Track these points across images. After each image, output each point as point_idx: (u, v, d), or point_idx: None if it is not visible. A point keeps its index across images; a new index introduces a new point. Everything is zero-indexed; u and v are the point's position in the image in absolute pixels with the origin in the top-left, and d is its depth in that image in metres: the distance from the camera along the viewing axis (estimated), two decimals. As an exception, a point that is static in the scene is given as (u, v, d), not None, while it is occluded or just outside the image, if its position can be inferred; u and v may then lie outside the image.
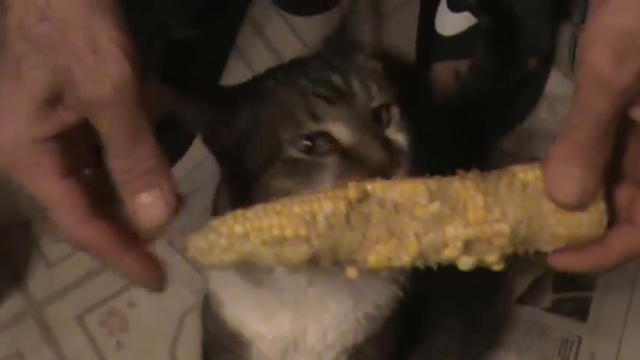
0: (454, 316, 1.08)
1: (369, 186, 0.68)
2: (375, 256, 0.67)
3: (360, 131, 0.76)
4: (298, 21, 1.50)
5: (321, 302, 0.87)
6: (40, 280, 1.33)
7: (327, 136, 0.76)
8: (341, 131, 0.76)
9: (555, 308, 1.24)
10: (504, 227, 0.66)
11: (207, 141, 0.85)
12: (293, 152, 0.76)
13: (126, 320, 1.29)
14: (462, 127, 1.28)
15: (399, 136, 0.80)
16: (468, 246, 0.67)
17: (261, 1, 1.50)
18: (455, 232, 0.66)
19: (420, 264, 0.67)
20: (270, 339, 0.90)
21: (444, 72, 1.34)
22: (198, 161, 1.33)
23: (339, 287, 0.86)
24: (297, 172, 0.77)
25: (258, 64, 1.46)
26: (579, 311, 1.23)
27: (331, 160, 0.76)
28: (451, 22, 1.34)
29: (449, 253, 0.67)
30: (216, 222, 0.67)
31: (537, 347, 1.21)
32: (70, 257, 1.34)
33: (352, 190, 0.67)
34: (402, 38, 1.41)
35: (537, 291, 1.25)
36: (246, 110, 0.81)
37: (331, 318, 0.88)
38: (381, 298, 0.89)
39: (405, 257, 0.67)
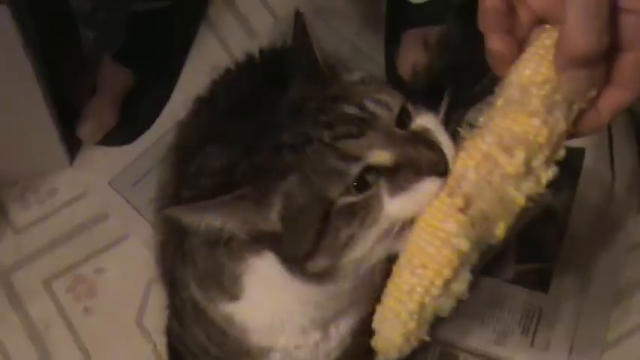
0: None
1: (451, 182, 0.69)
2: (500, 230, 0.69)
3: (397, 146, 0.74)
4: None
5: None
6: (7, 246, 1.33)
7: (370, 167, 0.74)
8: (381, 155, 0.74)
9: (517, 279, 1.25)
10: (563, 125, 0.68)
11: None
12: (349, 199, 0.74)
13: (93, 286, 1.29)
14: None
15: (426, 121, 0.78)
16: (547, 162, 0.69)
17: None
18: (539, 161, 0.68)
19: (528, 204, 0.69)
20: (304, 347, 0.93)
21: (413, 41, 1.35)
22: (169, 129, 1.33)
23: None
24: (357, 214, 0.74)
25: (228, 36, 1.47)
26: (540, 282, 1.24)
27: (383, 187, 0.74)
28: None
29: (544, 180, 0.69)
30: (384, 314, 0.68)
31: (499, 317, 1.22)
32: (37, 223, 1.34)
33: (455, 200, 0.67)
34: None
35: (500, 262, 1.26)
36: (274, 195, 0.77)
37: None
38: None
39: (517, 210, 0.68)
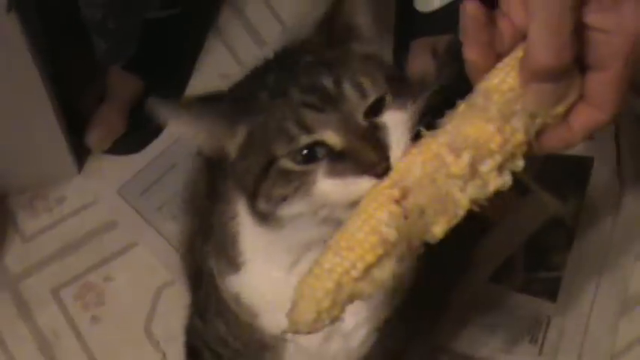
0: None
1: (394, 176, 0.69)
2: (439, 228, 0.69)
3: (350, 135, 0.75)
4: (278, 2, 1.50)
5: None
6: (15, 254, 1.33)
7: (321, 143, 0.76)
8: (332, 137, 0.76)
9: (526, 288, 1.25)
10: (520, 136, 0.69)
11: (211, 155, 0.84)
12: (289, 165, 0.77)
13: (101, 295, 1.30)
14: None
15: (390, 117, 0.78)
16: (500, 170, 0.69)
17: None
18: (488, 167, 0.68)
19: (474, 208, 0.70)
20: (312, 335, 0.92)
21: (422, 49, 1.35)
22: (177, 137, 1.34)
23: None
24: (293, 179, 0.77)
25: (237, 45, 1.47)
26: (549, 291, 1.24)
27: (323, 164, 0.76)
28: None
29: (492, 186, 0.69)
30: (302, 289, 0.68)
31: (507, 326, 1.22)
32: (45, 231, 1.35)
33: (393, 191, 0.68)
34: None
35: (508, 270, 1.26)
36: (241, 124, 0.81)
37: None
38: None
39: (460, 212, 0.69)
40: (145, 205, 1.35)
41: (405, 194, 0.68)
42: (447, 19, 1.34)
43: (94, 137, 1.37)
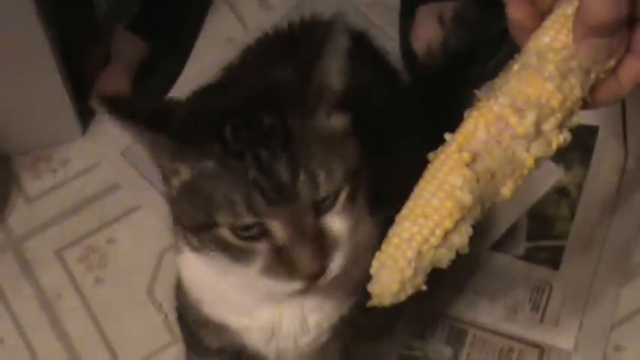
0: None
1: (459, 138, 0.68)
2: (508, 189, 0.68)
3: (295, 233, 0.74)
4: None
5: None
6: (19, 216, 1.34)
7: (265, 228, 0.75)
8: (278, 230, 0.74)
9: (528, 256, 1.25)
10: (578, 92, 0.68)
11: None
12: (227, 235, 0.75)
13: (105, 256, 1.30)
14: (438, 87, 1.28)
15: (338, 223, 0.77)
16: (560, 128, 0.68)
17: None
18: (551, 125, 0.68)
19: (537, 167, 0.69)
20: (253, 330, 0.91)
21: (428, 15, 1.35)
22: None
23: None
24: (230, 250, 0.76)
25: (243, 9, 1.46)
26: (552, 259, 1.24)
27: (263, 249, 0.76)
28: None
29: (555, 144, 0.69)
30: (383, 260, 0.68)
31: (509, 293, 1.23)
32: (49, 193, 1.35)
33: (463, 155, 0.67)
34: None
35: (511, 239, 1.26)
36: (185, 164, 0.76)
37: (311, 302, 0.89)
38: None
39: (526, 172, 0.68)
40: (148, 168, 1.34)
41: (475, 159, 0.67)
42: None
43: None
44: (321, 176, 0.75)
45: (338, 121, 0.79)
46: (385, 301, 0.69)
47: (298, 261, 0.75)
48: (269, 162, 0.74)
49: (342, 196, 0.77)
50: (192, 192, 0.77)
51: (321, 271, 0.76)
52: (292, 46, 0.90)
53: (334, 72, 0.77)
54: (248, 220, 0.74)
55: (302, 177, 0.74)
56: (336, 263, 0.77)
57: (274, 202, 0.74)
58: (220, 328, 0.93)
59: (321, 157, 0.75)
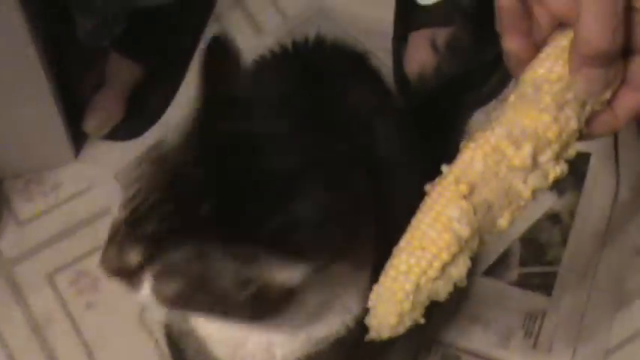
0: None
1: (456, 171, 0.69)
2: (505, 221, 0.69)
3: None
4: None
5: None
6: (10, 239, 1.33)
7: None
8: None
9: (521, 282, 1.25)
10: (574, 124, 0.69)
11: None
12: None
13: (96, 280, 1.29)
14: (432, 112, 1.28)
15: None
16: (556, 159, 0.69)
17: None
18: (547, 157, 0.68)
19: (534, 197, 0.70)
20: (219, 341, 0.90)
21: (421, 41, 1.35)
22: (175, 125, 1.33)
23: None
24: None
25: (236, 33, 1.46)
26: (544, 285, 1.24)
27: None
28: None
29: (552, 176, 0.69)
30: (381, 293, 0.68)
31: (502, 320, 1.22)
32: (41, 216, 1.34)
33: (460, 186, 0.68)
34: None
35: (504, 265, 1.26)
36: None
37: (278, 337, 0.87)
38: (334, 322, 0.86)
39: (522, 204, 0.69)
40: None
41: (472, 190, 0.68)
42: (445, 12, 1.34)
43: (91, 123, 1.37)
44: None
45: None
46: (383, 334, 0.68)
47: None
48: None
49: None
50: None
51: None
52: (304, 69, 0.90)
53: None
54: None
55: None
56: None
57: None
58: (197, 339, 0.92)
59: None
